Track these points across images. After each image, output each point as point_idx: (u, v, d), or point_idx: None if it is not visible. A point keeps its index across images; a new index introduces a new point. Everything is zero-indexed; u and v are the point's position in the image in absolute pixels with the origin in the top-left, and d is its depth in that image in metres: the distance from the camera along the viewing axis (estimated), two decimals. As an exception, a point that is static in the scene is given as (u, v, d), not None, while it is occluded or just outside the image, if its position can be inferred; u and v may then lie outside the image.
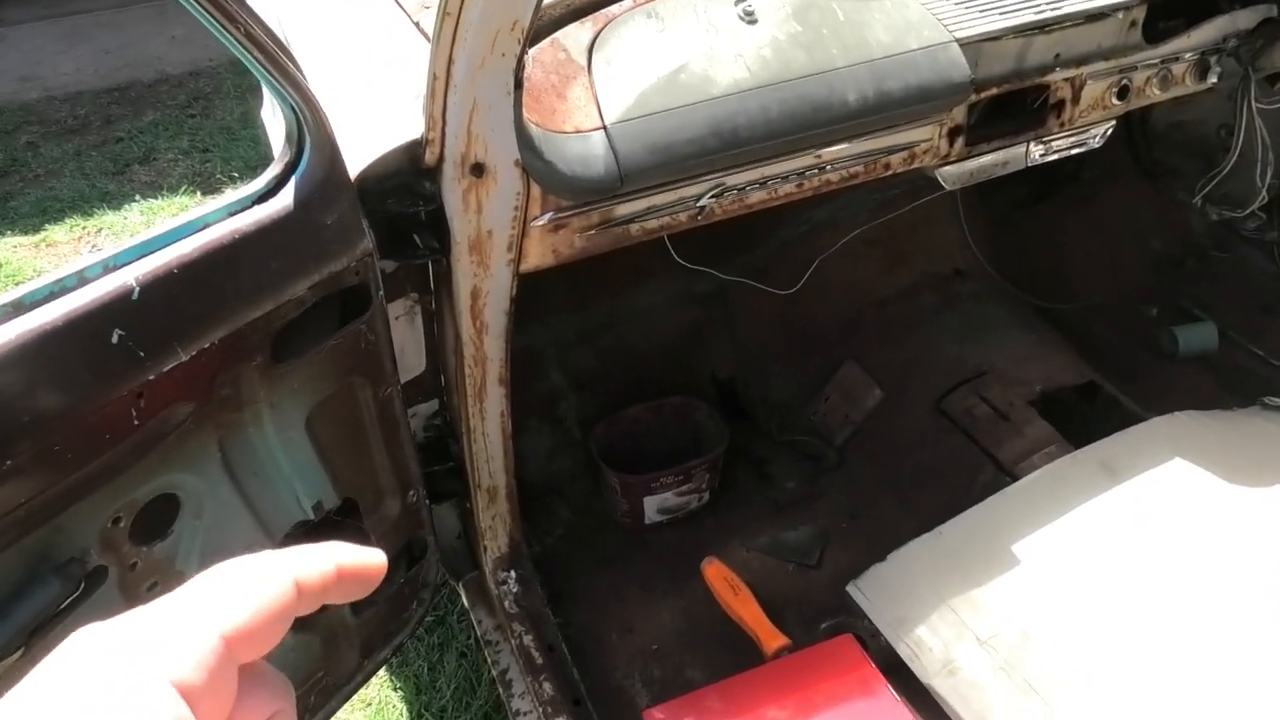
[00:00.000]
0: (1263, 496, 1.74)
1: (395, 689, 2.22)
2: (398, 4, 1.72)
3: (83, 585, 1.08)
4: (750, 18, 1.53)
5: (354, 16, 1.78)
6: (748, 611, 1.77)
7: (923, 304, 2.26)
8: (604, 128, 1.41)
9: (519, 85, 1.29)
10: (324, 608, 0.45)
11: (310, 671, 1.53)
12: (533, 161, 1.36)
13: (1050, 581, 1.66)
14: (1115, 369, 2.20)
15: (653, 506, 1.98)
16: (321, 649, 1.53)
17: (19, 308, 0.99)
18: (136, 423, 1.07)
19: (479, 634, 1.82)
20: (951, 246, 2.34)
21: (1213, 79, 1.81)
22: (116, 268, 1.05)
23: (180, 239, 1.09)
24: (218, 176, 4.07)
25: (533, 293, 1.60)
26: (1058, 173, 2.34)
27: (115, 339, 1.02)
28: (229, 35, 1.03)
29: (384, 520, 1.56)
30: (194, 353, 1.10)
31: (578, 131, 1.41)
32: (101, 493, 1.08)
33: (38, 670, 0.38)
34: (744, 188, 1.55)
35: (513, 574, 1.83)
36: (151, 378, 1.06)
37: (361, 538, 1.54)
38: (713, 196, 1.53)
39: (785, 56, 1.50)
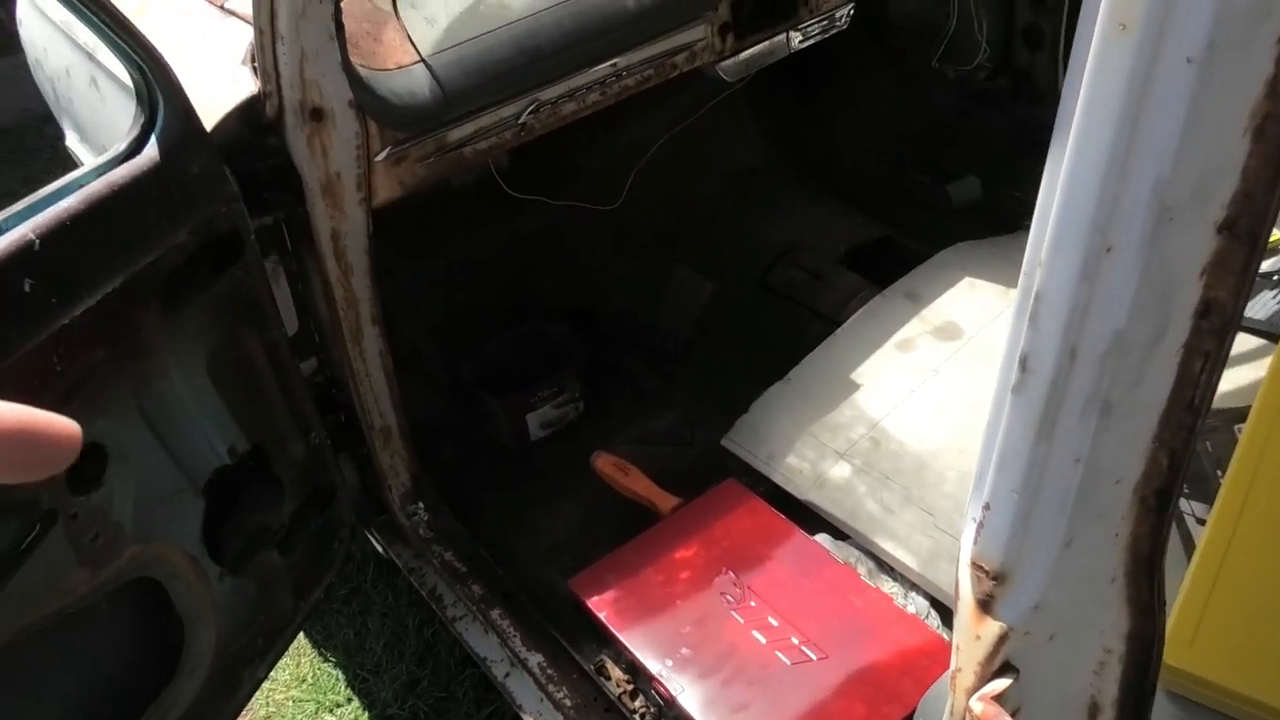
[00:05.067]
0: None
1: (325, 659, 2.30)
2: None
3: (38, 526, 1.15)
4: (528, -49, 1.72)
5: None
6: (639, 484, 1.95)
7: (729, 202, 2.53)
8: (422, 60, 1.56)
9: (340, 28, 1.43)
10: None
11: (252, 615, 1.62)
12: (365, 99, 1.51)
13: (885, 394, 1.93)
14: (902, 228, 2.52)
15: (535, 423, 2.14)
16: (257, 592, 1.62)
17: (-72, 273, 1.06)
18: (59, 369, 1.16)
19: (401, 564, 1.94)
20: (743, 148, 2.61)
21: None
22: (8, 230, 1.13)
23: (61, 199, 1.19)
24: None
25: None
26: (819, 71, 2.64)
27: (28, 288, 1.11)
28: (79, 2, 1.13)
29: (292, 464, 1.66)
30: (99, 297, 1.19)
31: (399, 67, 1.56)
32: (37, 441, 1.16)
33: None
34: (556, 101, 1.74)
35: (420, 505, 1.96)
36: (66, 323, 1.15)
37: (273, 483, 1.64)
38: (531, 113, 1.71)
39: (568, -22, 1.69)
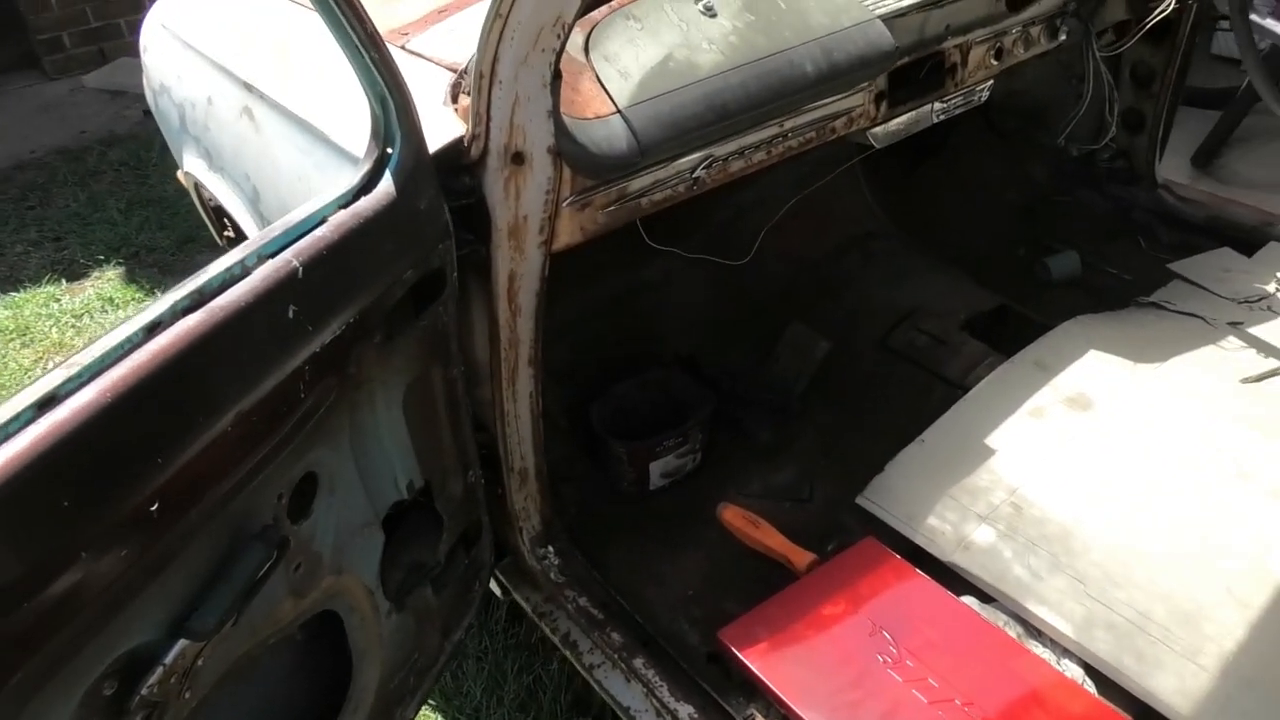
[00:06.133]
0: (1158, 366, 2.11)
1: (425, 703, 2.26)
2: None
3: (276, 553, 1.15)
4: (711, 12, 1.76)
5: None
6: (772, 539, 1.96)
7: (848, 263, 2.56)
8: (619, 111, 1.59)
9: (557, 76, 1.46)
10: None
11: (408, 652, 1.61)
12: (567, 146, 1.53)
13: (1021, 461, 1.95)
14: (1015, 299, 2.55)
15: (656, 471, 2.14)
16: (415, 628, 1.61)
17: (202, 295, 1.07)
18: (303, 396, 1.17)
19: (530, 608, 1.92)
20: (860, 213, 2.66)
21: (1062, 36, 2.20)
22: (270, 255, 1.14)
23: (315, 227, 1.20)
24: (80, 261, 3.93)
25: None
26: (930, 144, 2.69)
27: (291, 314, 1.12)
28: (351, 29, 1.16)
29: (451, 501, 1.66)
30: (342, 327, 1.20)
31: (598, 117, 1.59)
32: (276, 465, 1.16)
33: None
34: (727, 158, 1.77)
35: (551, 549, 1.95)
36: (316, 350, 1.16)
37: (435, 520, 1.63)
38: (705, 168, 1.74)
39: (749, 41, 1.73)
